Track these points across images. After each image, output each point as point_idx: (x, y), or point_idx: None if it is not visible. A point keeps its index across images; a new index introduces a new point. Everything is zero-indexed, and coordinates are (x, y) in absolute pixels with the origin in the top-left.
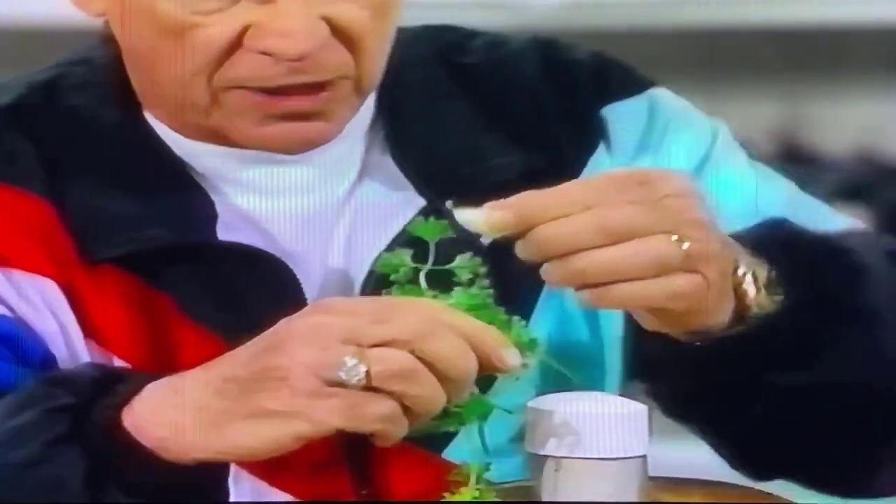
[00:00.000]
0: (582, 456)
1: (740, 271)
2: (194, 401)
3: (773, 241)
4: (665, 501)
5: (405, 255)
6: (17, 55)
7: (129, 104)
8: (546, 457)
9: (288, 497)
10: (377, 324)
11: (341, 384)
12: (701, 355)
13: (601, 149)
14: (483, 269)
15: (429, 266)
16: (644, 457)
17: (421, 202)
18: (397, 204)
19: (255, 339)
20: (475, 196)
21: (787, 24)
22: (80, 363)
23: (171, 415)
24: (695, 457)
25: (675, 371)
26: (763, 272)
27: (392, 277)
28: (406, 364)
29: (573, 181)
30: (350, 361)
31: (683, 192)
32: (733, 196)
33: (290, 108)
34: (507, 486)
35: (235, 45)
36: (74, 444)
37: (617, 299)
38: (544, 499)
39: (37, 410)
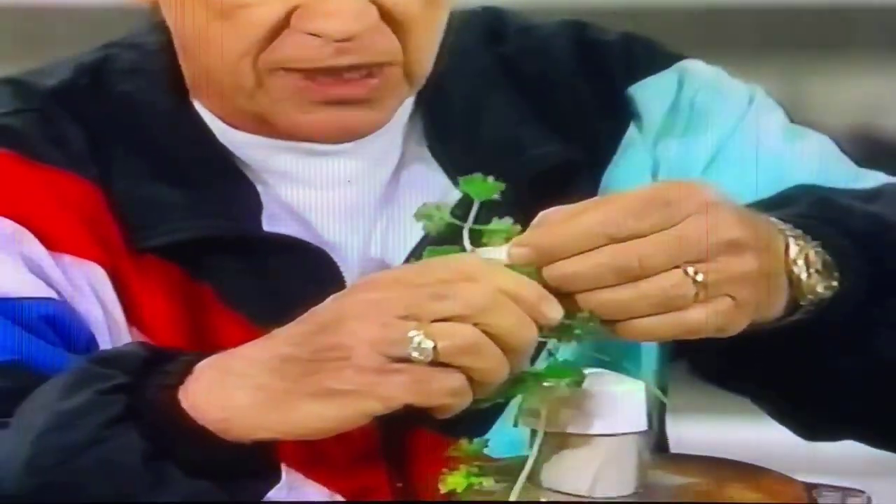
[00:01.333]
0: (578, 432)
1: (791, 257)
2: (253, 381)
3: (825, 221)
4: (663, 479)
5: (444, 207)
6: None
7: (178, 92)
8: (543, 433)
9: (322, 489)
10: (437, 300)
11: (406, 360)
12: (752, 343)
13: (632, 128)
14: (518, 236)
15: (469, 224)
16: (643, 433)
17: (457, 195)
18: (434, 197)
19: (304, 318)
20: (512, 188)
21: (785, 1)
22: (126, 343)
23: (229, 395)
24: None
25: (723, 357)
26: (817, 257)
27: (426, 225)
28: (472, 338)
29: (592, 205)
30: (416, 338)
31: (709, 208)
32: (766, 159)
33: (335, 95)
34: (504, 461)
35: (283, 25)
36: (131, 425)
37: (630, 336)
38: (542, 475)
39: (90, 392)
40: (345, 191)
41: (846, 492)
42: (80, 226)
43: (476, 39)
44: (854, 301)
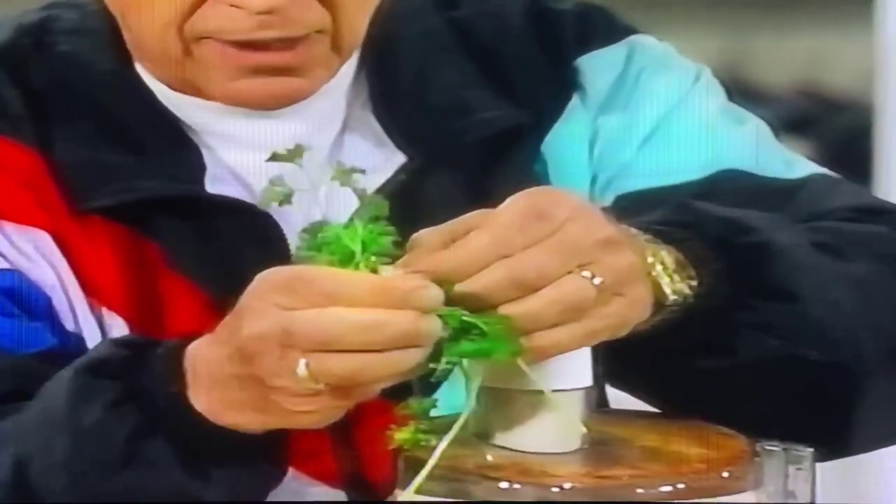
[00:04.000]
0: (524, 388)
1: (648, 261)
2: (212, 390)
3: (680, 224)
4: (607, 435)
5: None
6: None
7: (120, 53)
8: (488, 389)
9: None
10: (311, 330)
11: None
12: (627, 346)
13: (575, 98)
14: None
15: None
16: (587, 388)
17: (402, 159)
18: (378, 160)
19: (223, 337)
20: (458, 152)
21: None
22: (97, 344)
23: (209, 399)
24: None
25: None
26: (669, 257)
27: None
28: (349, 369)
29: (474, 226)
30: (302, 370)
31: (579, 212)
32: (702, 139)
33: (261, 63)
34: (451, 419)
35: None
36: (156, 436)
37: (540, 349)
38: (489, 431)
39: (98, 408)
40: None
41: (790, 446)
42: (21, 192)
43: (427, 2)
44: (716, 302)
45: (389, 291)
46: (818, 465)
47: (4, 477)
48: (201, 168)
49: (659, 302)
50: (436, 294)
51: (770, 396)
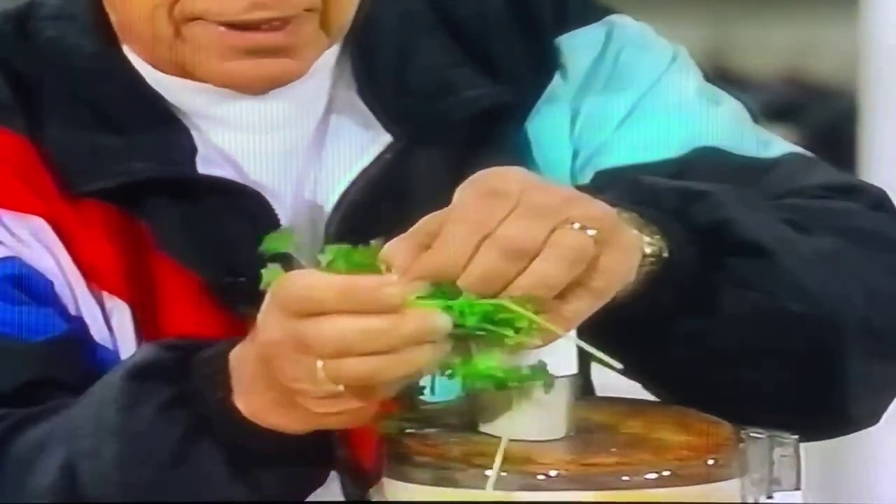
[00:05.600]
0: None
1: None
2: (253, 392)
3: (635, 202)
4: (592, 422)
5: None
6: None
7: (107, 37)
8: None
9: None
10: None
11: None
12: (604, 320)
13: (557, 78)
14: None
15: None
16: (571, 376)
17: (387, 139)
18: (364, 141)
19: (249, 342)
20: (443, 131)
21: None
22: (141, 347)
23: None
24: None
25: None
26: (629, 215)
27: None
28: (365, 373)
29: (445, 221)
30: (320, 373)
31: (530, 180)
32: (679, 118)
33: (253, 43)
34: (439, 406)
35: None
36: (206, 438)
37: (564, 321)
38: (475, 419)
39: (149, 412)
40: (275, 135)
41: (774, 433)
42: (14, 180)
43: None
44: (686, 265)
45: (356, 292)
46: (803, 452)
47: (53, 479)
48: (192, 149)
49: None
50: (400, 291)
51: (752, 357)
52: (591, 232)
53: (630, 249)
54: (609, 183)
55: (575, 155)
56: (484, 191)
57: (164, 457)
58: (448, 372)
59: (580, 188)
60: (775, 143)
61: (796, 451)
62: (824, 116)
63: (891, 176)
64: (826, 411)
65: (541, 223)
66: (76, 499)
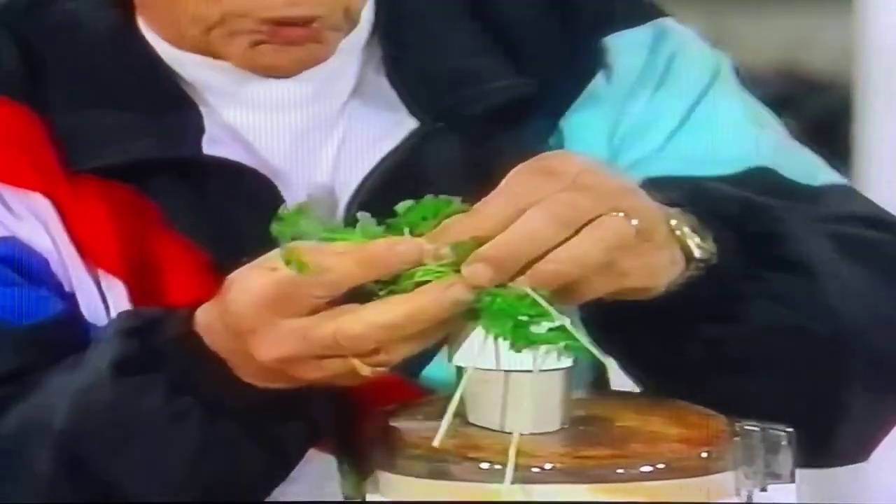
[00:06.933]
0: (501, 368)
1: (672, 222)
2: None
3: (699, 196)
4: (587, 415)
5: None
6: None
7: (123, 9)
8: (467, 369)
9: None
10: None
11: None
12: (631, 310)
13: (599, 77)
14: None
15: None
16: (566, 370)
17: (412, 124)
18: (388, 125)
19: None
20: (469, 119)
21: None
22: (116, 332)
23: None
24: None
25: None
26: (684, 217)
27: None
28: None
29: (488, 198)
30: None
31: (590, 166)
32: (726, 137)
33: (285, 38)
34: (431, 399)
35: None
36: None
37: (577, 294)
38: (468, 410)
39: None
40: (292, 114)
41: (769, 426)
42: (17, 154)
43: None
44: (729, 272)
45: (373, 257)
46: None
47: (48, 468)
48: (199, 129)
49: (686, 259)
50: (413, 247)
51: (764, 370)
52: (634, 221)
53: (665, 251)
54: (658, 191)
55: (613, 157)
56: (538, 169)
57: (190, 444)
58: (495, 335)
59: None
60: (821, 171)
61: (791, 443)
62: (819, 110)
63: (885, 170)
64: (830, 423)
65: (591, 201)
66: (77, 485)
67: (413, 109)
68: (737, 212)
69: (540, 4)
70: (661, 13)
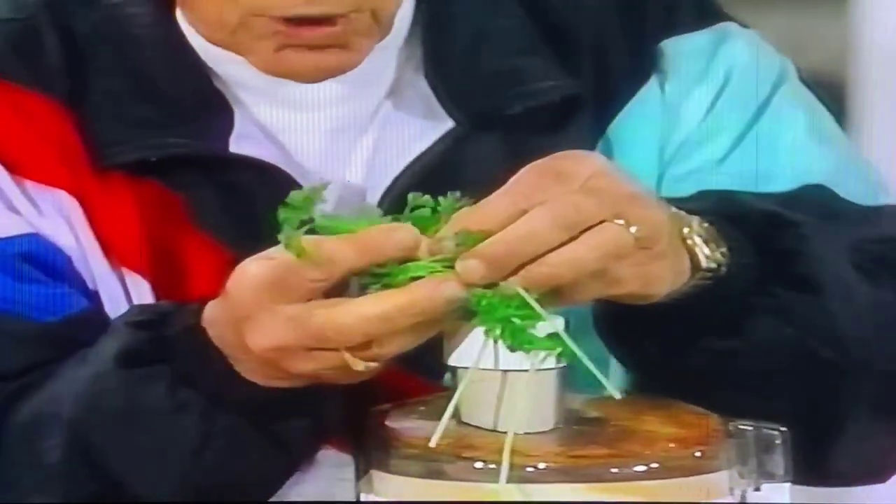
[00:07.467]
0: (496, 367)
1: (684, 231)
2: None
3: (722, 215)
4: (581, 414)
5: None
6: None
7: (165, 6)
8: (462, 368)
9: None
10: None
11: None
12: (638, 315)
13: (653, 81)
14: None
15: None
16: (561, 369)
17: (448, 125)
18: (424, 126)
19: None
20: (508, 121)
21: None
22: (127, 328)
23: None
24: None
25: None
26: (700, 227)
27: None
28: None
29: (494, 195)
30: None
31: (603, 169)
32: (786, 155)
33: (306, 39)
34: (428, 399)
35: None
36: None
37: (570, 298)
38: (462, 409)
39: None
40: (325, 113)
41: (762, 425)
42: (45, 149)
43: None
44: (741, 284)
45: (371, 243)
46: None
47: (58, 459)
48: (229, 126)
49: (693, 268)
50: (411, 234)
51: (765, 387)
52: (633, 229)
53: (664, 262)
54: (712, 203)
55: (665, 164)
56: (548, 169)
57: (193, 441)
58: (496, 334)
59: (670, 200)
60: (881, 193)
61: (785, 443)
62: None
63: (881, 169)
64: (825, 446)
65: (595, 206)
66: (86, 474)
67: (450, 110)
68: (761, 225)
69: (601, 3)
70: (725, 17)
